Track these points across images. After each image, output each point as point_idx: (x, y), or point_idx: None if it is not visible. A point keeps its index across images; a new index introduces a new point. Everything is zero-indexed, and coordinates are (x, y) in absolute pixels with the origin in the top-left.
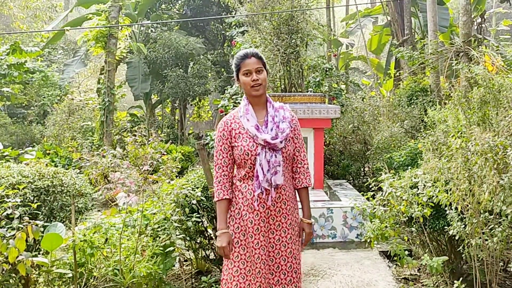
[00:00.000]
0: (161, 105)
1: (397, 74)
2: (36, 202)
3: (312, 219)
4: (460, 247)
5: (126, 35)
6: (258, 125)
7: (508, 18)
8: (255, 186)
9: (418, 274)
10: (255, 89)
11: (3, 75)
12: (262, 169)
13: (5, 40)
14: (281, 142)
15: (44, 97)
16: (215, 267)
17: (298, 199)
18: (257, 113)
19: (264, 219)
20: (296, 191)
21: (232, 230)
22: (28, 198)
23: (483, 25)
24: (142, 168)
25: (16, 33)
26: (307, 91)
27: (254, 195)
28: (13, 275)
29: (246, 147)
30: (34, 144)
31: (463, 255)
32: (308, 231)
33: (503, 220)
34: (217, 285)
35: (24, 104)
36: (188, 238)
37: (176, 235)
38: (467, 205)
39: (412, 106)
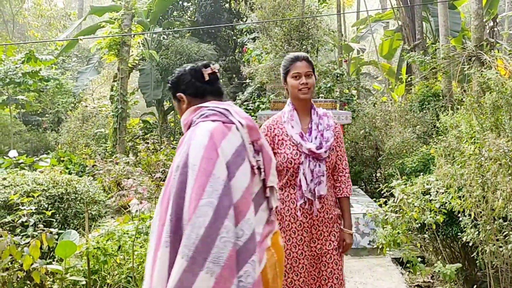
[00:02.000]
0: (173, 111)
1: (409, 79)
2: (50, 210)
3: (353, 229)
4: (474, 254)
5: (139, 43)
6: (302, 132)
7: None
8: (298, 196)
9: (432, 281)
10: (303, 92)
11: (18, 83)
12: (305, 178)
13: (20, 49)
14: (325, 152)
15: (59, 105)
16: None
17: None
18: (301, 119)
19: (307, 229)
20: (337, 200)
21: (284, 242)
22: (42, 206)
23: (495, 29)
24: (154, 175)
25: (31, 43)
26: (318, 97)
27: (296, 205)
28: (28, 282)
29: (289, 155)
30: (49, 151)
31: (477, 262)
32: (349, 242)
33: None
34: None
35: (38, 112)
36: None
37: None
38: (481, 212)
39: (424, 111)
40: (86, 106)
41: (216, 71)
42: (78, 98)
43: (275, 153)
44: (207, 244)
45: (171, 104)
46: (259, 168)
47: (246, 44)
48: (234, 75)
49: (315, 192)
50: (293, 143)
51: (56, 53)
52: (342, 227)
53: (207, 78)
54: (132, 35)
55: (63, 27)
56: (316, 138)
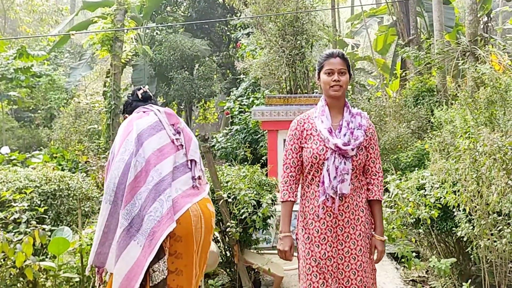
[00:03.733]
0: (167, 107)
1: (403, 74)
2: (43, 206)
3: (385, 236)
4: (469, 249)
5: (132, 38)
6: (331, 128)
7: None
8: (320, 193)
9: (426, 276)
10: (334, 89)
11: (10, 79)
12: (329, 175)
13: (12, 44)
14: (352, 149)
15: (51, 101)
16: (222, 270)
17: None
18: (333, 116)
19: (331, 229)
20: (369, 203)
21: (302, 240)
22: (35, 202)
23: (489, 24)
24: None
25: (23, 38)
26: (313, 93)
27: (319, 202)
28: (21, 279)
29: (315, 150)
30: (41, 147)
31: (471, 257)
32: (381, 249)
33: None
34: None
35: (31, 108)
36: None
37: None
38: (475, 206)
39: (419, 106)
40: (79, 102)
41: (147, 90)
42: (71, 94)
43: (302, 148)
44: (121, 189)
45: (165, 100)
46: (182, 145)
47: (240, 40)
48: (228, 71)
49: (337, 190)
50: (320, 138)
51: (48, 48)
52: (373, 232)
53: (140, 96)
54: (125, 30)
55: (55, 22)
56: (345, 135)
